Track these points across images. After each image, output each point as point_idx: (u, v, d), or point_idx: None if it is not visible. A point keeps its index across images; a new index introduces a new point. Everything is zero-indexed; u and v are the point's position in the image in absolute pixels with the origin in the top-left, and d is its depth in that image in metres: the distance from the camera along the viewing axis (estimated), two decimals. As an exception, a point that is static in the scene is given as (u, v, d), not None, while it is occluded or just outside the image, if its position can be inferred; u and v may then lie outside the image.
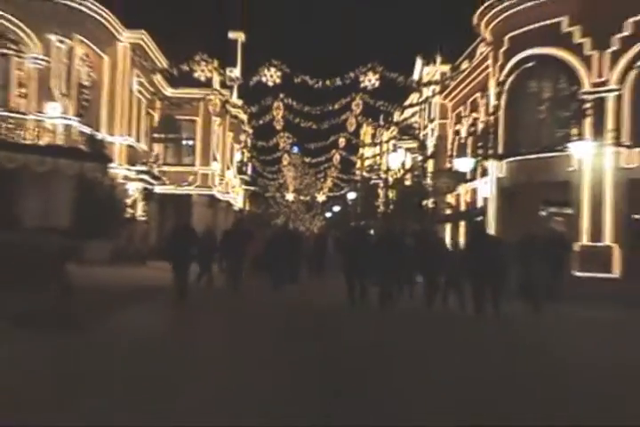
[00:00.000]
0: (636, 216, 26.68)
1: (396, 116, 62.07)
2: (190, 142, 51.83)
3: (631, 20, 29.03)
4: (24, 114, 32.00)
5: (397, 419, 8.11)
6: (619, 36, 29.30)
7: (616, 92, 29.52)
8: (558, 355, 13.09)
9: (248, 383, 9.95)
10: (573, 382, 10.44)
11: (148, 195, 44.88)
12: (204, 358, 12.53)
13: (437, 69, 52.64)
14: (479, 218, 38.05)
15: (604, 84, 29.74)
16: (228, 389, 9.66)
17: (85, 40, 35.79)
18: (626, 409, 8.87)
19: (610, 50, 29.60)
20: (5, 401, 8.48)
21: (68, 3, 33.48)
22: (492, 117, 35.94)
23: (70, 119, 33.27)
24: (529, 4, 31.65)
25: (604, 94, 29.73)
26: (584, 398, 9.40)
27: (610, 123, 29.59)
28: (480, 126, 40.40)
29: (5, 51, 32.46)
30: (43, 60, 32.85)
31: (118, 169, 38.84)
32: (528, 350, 13.76)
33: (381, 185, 68.24)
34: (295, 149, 72.52)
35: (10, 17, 31.91)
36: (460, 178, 42.92)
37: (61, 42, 33.41)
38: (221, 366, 11.72)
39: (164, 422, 7.93)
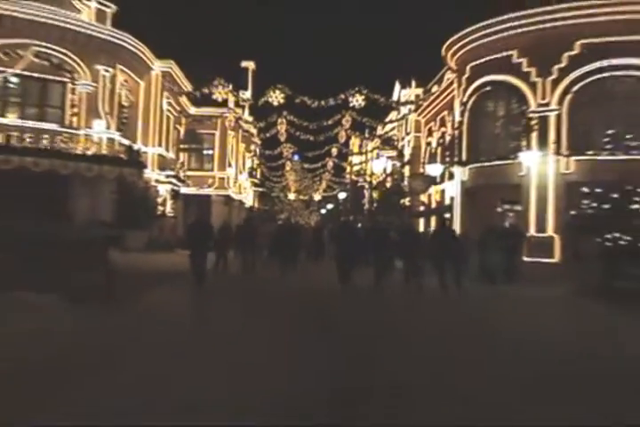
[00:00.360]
0: (573, 212, 26.84)
1: (379, 130, 62.00)
2: (210, 152, 51.82)
3: (566, 54, 29.26)
4: (76, 129, 32.18)
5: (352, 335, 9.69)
6: (557, 66, 29.53)
7: (556, 112, 29.68)
8: (494, 315, 14.38)
9: (265, 325, 10.94)
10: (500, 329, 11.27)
11: (175, 195, 45.00)
12: (228, 318, 13.01)
13: (412, 92, 52.66)
14: (447, 214, 38.29)
15: (546, 105, 29.86)
16: (252, 328, 10.61)
17: (125, 69, 36.02)
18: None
19: (550, 77, 29.74)
20: (73, 358, 8.81)
21: (112, 39, 33.78)
22: (456, 131, 36.03)
23: (112, 133, 33.50)
24: (486, 39, 31.86)
25: (546, 113, 29.85)
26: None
27: (551, 136, 29.76)
28: (447, 138, 40.43)
29: (62, 79, 32.65)
30: (91, 85, 33.02)
31: (151, 174, 38.96)
32: (474, 313, 14.35)
33: (367, 187, 68.48)
34: (296, 157, 72.28)
35: (66, 51, 32.16)
36: (432, 181, 42.96)
37: (106, 71, 33.73)
38: (242, 320, 12.31)
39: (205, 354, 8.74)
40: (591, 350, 10.58)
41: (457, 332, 12.20)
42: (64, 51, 32.15)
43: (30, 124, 30.96)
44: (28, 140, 29.43)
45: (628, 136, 28.57)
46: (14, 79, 31.58)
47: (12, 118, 31.26)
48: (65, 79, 32.75)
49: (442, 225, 26.24)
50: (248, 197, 65.60)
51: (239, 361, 9.20)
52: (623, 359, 9.86)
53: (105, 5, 34.46)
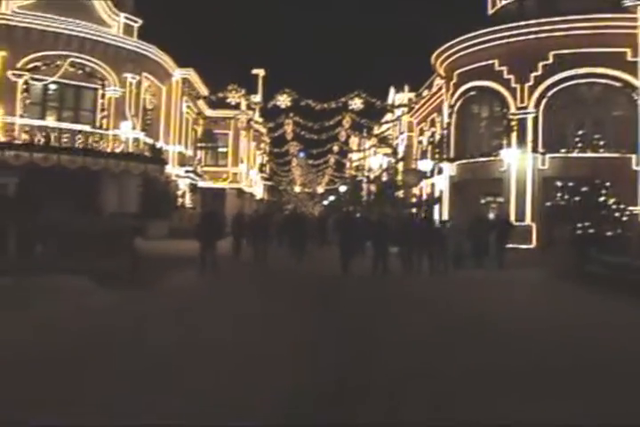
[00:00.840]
0: (548, 203, 26.90)
1: (376, 130, 62.04)
2: (224, 149, 51.92)
3: (541, 63, 29.41)
4: (106, 130, 32.36)
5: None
6: (534, 74, 29.67)
7: (533, 114, 29.83)
8: (476, 293, 14.55)
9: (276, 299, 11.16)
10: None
11: (193, 188, 45.20)
12: (243, 295, 13.24)
13: (405, 96, 52.71)
14: (435, 204, 38.41)
15: (524, 108, 29.98)
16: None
17: (149, 76, 36.19)
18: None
19: (528, 84, 29.91)
20: (106, 335, 8.99)
21: (138, 50, 34.01)
22: (445, 131, 36.14)
23: (138, 133, 33.61)
24: (470, 50, 32.00)
25: (524, 116, 29.98)
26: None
27: (529, 136, 29.89)
28: (437, 137, 40.50)
29: (94, 85, 32.88)
30: (119, 90, 33.23)
31: (172, 169, 39.10)
32: (459, 289, 14.59)
33: (365, 181, 68.57)
34: (301, 154, 72.39)
35: (98, 61, 32.47)
36: (423, 175, 43.08)
37: (133, 78, 33.89)
38: (256, 295, 12.54)
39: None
40: (561, 321, 10.99)
41: (445, 303, 12.38)
42: (96, 61, 32.49)
43: (65, 125, 31.13)
44: (64, 140, 29.62)
45: (596, 136, 28.71)
46: (53, 86, 31.88)
47: (50, 121, 31.52)
48: (96, 86, 32.99)
49: (422, 217, 26.34)
50: (258, 190, 65.68)
51: (240, 313, 9.91)
52: (585, 328, 10.31)
53: (132, 20, 34.61)
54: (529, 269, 20.36)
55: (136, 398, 6.07)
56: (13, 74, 30.19)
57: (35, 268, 13.78)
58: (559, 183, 25.70)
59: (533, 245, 29.04)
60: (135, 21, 34.88)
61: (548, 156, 29.49)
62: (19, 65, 30.25)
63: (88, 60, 32.17)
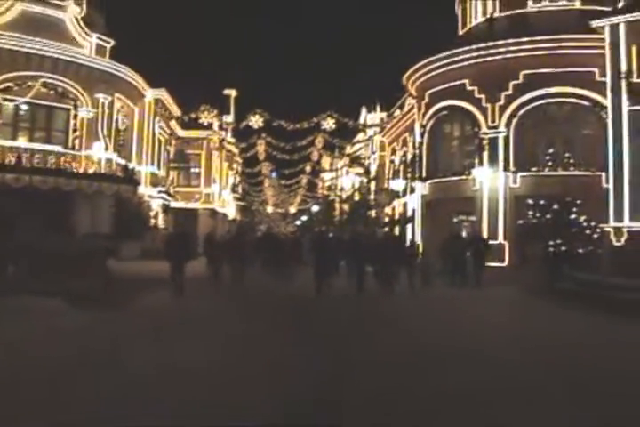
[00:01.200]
0: (520, 221, 27.03)
1: (348, 150, 62.19)
2: (197, 170, 51.79)
3: (512, 82, 29.66)
4: (78, 151, 32.11)
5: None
6: (504, 93, 29.90)
7: (504, 133, 29.99)
8: (452, 311, 14.41)
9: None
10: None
11: (165, 209, 44.92)
12: (221, 313, 13.12)
13: (377, 116, 53.07)
14: (408, 223, 38.48)
15: (495, 127, 30.13)
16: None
17: (122, 96, 36.02)
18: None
19: (498, 103, 30.12)
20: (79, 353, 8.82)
21: (111, 70, 33.87)
22: (417, 151, 36.21)
23: (110, 154, 33.41)
24: (441, 70, 32.21)
25: (495, 135, 30.15)
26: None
27: (500, 155, 30.07)
28: (409, 157, 40.64)
29: (66, 106, 32.71)
30: (91, 111, 33.07)
31: (144, 190, 38.86)
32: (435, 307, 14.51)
33: (337, 200, 68.63)
34: (273, 174, 72.13)
35: (70, 81, 32.28)
36: (395, 195, 43.23)
37: (105, 98, 33.74)
38: (231, 315, 12.36)
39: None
40: (536, 340, 11.03)
41: (419, 323, 12.36)
42: (68, 81, 32.30)
43: (38, 146, 30.86)
44: (36, 160, 29.33)
45: (566, 154, 28.97)
46: (25, 107, 31.65)
47: (22, 141, 31.26)
48: (68, 106, 32.82)
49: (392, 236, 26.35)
50: (231, 210, 65.47)
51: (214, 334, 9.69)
52: (560, 347, 10.34)
53: (104, 40, 34.63)
54: (503, 287, 20.46)
55: (109, 422, 5.96)
56: (-15, 94, 29.97)
57: (5, 289, 13.60)
58: (530, 201, 25.88)
59: (506, 263, 29.10)
60: (107, 42, 34.91)
61: (519, 174, 29.64)
62: (-10, 85, 30.06)
63: (60, 81, 31.98)
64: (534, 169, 29.43)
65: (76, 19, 33.79)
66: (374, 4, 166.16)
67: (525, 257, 26.93)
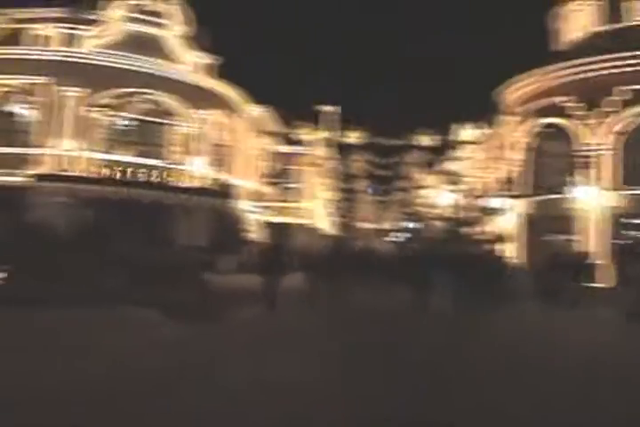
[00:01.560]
0: (620, 241, 26.15)
1: (443, 166, 61.59)
2: (293, 185, 52.24)
3: (613, 98, 28.81)
4: (179, 165, 32.89)
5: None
6: (604, 109, 29.13)
7: (604, 151, 29.11)
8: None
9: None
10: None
11: (262, 223, 45.35)
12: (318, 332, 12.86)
13: (472, 132, 52.29)
14: (507, 242, 37.74)
15: (596, 144, 29.39)
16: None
17: (222, 112, 36.80)
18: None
19: (600, 120, 29.35)
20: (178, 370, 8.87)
21: (211, 87, 34.68)
22: (515, 168, 35.59)
23: (210, 169, 34.07)
24: (538, 84, 31.58)
25: (595, 152, 29.30)
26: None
27: (601, 173, 29.20)
28: (507, 174, 40.04)
29: (169, 122, 33.73)
30: (190, 126, 33.81)
31: (242, 204, 39.43)
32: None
33: (433, 217, 68.00)
34: (369, 190, 72.01)
35: (174, 98, 33.38)
36: (493, 212, 42.53)
37: (205, 114, 34.51)
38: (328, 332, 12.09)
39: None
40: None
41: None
42: (172, 98, 33.30)
43: (141, 160, 31.70)
44: (140, 174, 30.20)
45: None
46: (127, 122, 32.63)
47: (126, 155, 32.21)
48: (172, 122, 33.70)
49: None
50: (326, 225, 65.60)
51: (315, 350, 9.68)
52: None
53: (207, 57, 35.44)
54: (604, 308, 19.74)
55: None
56: (91, 110, 30.97)
57: (105, 299, 13.87)
58: (625, 220, 25.14)
59: (607, 283, 28.15)
60: (210, 59, 35.69)
61: (620, 192, 28.76)
62: (96, 102, 31.06)
63: (164, 97, 32.97)
64: (635, 187, 28.51)
65: (181, 37, 34.73)
66: (469, 24, 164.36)
67: (627, 278, 26.01)
